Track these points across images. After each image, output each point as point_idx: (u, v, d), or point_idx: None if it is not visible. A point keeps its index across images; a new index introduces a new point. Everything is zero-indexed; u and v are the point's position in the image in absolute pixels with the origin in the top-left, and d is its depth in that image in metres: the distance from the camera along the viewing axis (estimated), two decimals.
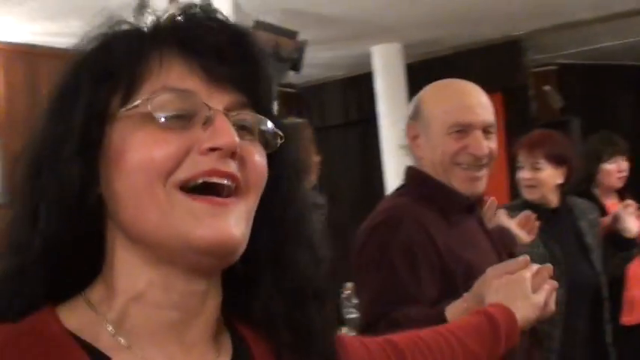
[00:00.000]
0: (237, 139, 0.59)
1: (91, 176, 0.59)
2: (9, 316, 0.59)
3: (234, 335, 0.67)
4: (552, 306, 1.07)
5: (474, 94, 1.45)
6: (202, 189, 0.58)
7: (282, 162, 0.66)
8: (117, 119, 0.60)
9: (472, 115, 1.40)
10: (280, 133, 0.64)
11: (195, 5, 0.63)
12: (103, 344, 0.59)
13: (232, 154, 0.59)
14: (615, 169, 2.82)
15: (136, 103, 0.59)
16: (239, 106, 0.62)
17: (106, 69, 0.61)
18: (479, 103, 1.43)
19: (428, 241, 1.32)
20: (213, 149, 0.58)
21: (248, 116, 0.62)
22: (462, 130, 1.40)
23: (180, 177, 0.58)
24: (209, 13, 0.63)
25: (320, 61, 5.14)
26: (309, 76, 5.47)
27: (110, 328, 0.60)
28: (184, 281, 0.60)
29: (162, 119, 0.58)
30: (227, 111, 0.61)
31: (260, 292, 0.66)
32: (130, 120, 0.59)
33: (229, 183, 0.59)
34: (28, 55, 4.34)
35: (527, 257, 1.09)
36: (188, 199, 0.58)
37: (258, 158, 0.62)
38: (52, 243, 0.59)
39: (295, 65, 4.34)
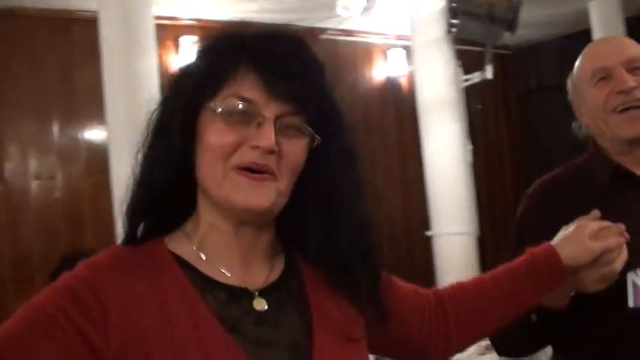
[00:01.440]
0: (272, 143, 0.83)
1: (188, 146, 0.86)
2: (132, 243, 0.88)
3: (289, 260, 0.94)
4: (615, 264, 1.09)
5: (610, 39, 1.44)
6: (245, 169, 0.84)
7: (328, 151, 0.90)
8: (204, 109, 0.86)
9: (607, 58, 1.35)
10: (316, 136, 0.88)
11: (273, 32, 0.90)
12: (190, 259, 0.88)
13: (270, 152, 0.84)
14: None
15: (214, 102, 0.85)
16: (289, 114, 0.85)
17: (205, 74, 0.86)
18: (614, 45, 1.39)
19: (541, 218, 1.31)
20: (256, 147, 0.83)
21: (295, 120, 0.86)
22: (604, 76, 1.34)
23: (234, 162, 0.84)
24: (283, 40, 0.88)
25: (535, 20, 5.13)
26: (524, 37, 5.48)
27: (194, 247, 0.89)
28: (236, 225, 0.88)
29: (227, 118, 0.84)
30: (277, 118, 0.85)
31: (311, 244, 0.92)
32: (210, 112, 0.85)
33: (264, 170, 0.84)
34: None
35: (597, 211, 1.13)
36: (236, 175, 0.84)
37: (295, 153, 0.87)
38: (160, 191, 0.87)
39: (510, 26, 4.36)
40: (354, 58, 5.53)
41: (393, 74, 5.74)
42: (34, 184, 4.09)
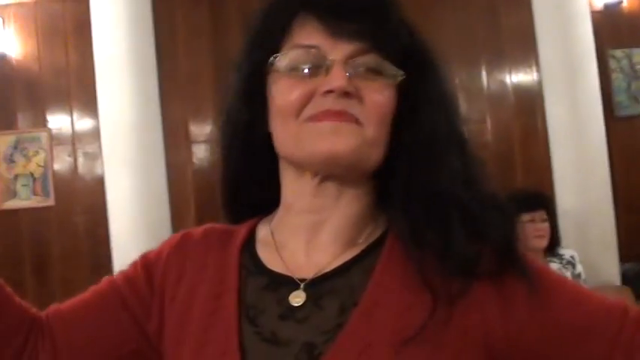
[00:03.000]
0: (345, 82, 0.75)
1: (256, 118, 0.82)
2: (233, 221, 0.90)
3: (378, 241, 0.80)
4: None
5: None
6: (324, 118, 0.76)
7: (418, 93, 0.79)
8: (270, 72, 0.81)
9: None
10: (400, 72, 0.78)
11: None
12: (261, 240, 0.86)
13: (346, 94, 0.75)
14: None
15: (275, 59, 0.79)
16: (360, 53, 0.77)
17: (263, 34, 0.82)
18: None
19: None
20: (329, 91, 0.76)
21: (369, 59, 0.77)
22: None
23: (307, 114, 0.77)
24: None
25: None
26: None
27: (270, 229, 0.86)
28: (318, 187, 0.80)
29: (291, 73, 0.78)
30: (348, 59, 0.77)
31: (401, 203, 0.78)
32: (275, 72, 0.80)
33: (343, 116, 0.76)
34: None
35: None
36: (315, 124, 0.77)
37: (378, 96, 0.77)
38: (245, 171, 0.86)
39: None
40: None
41: None
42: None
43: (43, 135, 4.18)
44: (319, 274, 0.79)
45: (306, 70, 0.78)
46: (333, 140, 0.75)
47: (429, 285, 0.73)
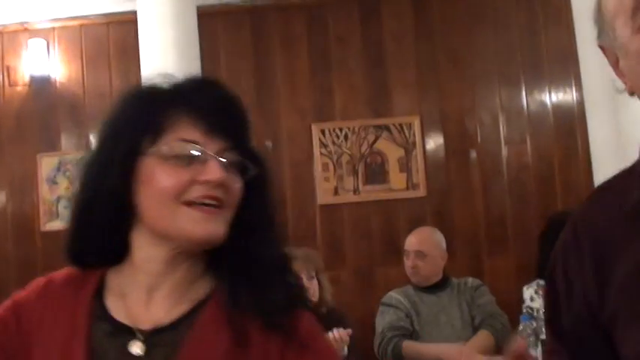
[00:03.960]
0: (223, 174, 0.93)
1: (125, 189, 0.95)
2: (80, 264, 1.00)
3: (205, 299, 0.97)
4: None
5: None
6: (200, 204, 0.93)
7: (255, 184, 0.98)
8: (146, 155, 0.95)
9: None
10: (252, 166, 0.97)
11: (201, 79, 1.01)
12: (110, 289, 0.99)
13: (220, 185, 0.93)
14: None
15: (160, 147, 0.94)
16: (227, 150, 0.96)
17: (139, 120, 0.96)
18: None
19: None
20: (207, 181, 0.93)
21: (232, 157, 0.96)
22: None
23: (187, 198, 0.93)
24: (212, 85, 0.99)
25: None
26: None
27: (118, 279, 0.99)
28: (172, 258, 0.96)
29: (176, 160, 0.94)
30: (218, 154, 0.95)
31: (230, 272, 0.97)
32: (155, 157, 0.94)
33: (216, 203, 0.94)
34: None
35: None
36: (191, 210, 0.93)
37: (236, 186, 0.96)
38: (100, 222, 0.96)
39: None
40: None
41: None
42: (505, 149, 4.39)
43: None
44: (155, 328, 0.95)
45: (186, 160, 0.95)
46: (208, 227, 0.94)
47: (232, 327, 0.93)
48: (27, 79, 4.35)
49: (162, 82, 0.99)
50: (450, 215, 4.31)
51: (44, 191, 4.30)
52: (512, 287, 3.37)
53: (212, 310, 0.96)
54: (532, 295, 3.10)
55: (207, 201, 0.93)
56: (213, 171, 0.93)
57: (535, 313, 2.70)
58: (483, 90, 4.40)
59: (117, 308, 0.97)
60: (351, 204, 4.29)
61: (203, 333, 0.94)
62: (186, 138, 0.95)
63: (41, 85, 4.34)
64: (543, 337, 2.42)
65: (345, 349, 2.51)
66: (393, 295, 3.17)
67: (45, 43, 4.34)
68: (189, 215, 0.93)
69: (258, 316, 0.93)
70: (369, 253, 4.28)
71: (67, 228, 1.00)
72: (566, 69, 4.32)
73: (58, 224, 4.26)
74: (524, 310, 3.03)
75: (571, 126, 4.34)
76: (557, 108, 4.38)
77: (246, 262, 0.97)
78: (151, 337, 0.94)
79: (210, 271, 0.99)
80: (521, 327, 2.72)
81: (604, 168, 3.98)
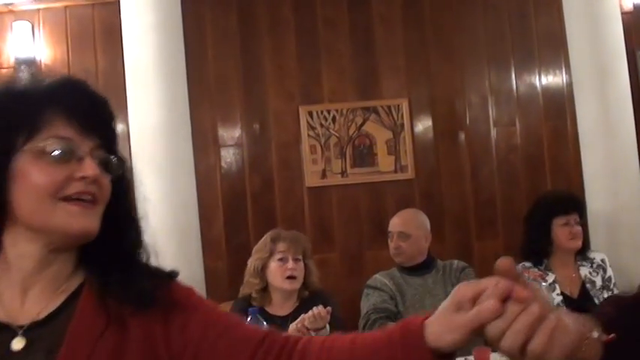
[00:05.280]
0: (98, 171, 0.99)
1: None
2: None
3: (78, 291, 1.02)
4: (503, 342, 0.78)
5: None
6: (75, 199, 0.98)
7: (119, 182, 1.05)
8: (21, 152, 0.97)
9: None
10: (119, 165, 1.04)
11: (72, 79, 1.03)
12: None
13: (95, 181, 0.99)
14: None
15: (35, 144, 0.97)
16: (98, 148, 1.02)
17: (13, 118, 0.98)
18: None
19: None
20: (83, 177, 0.98)
21: (103, 155, 1.02)
22: None
23: (64, 194, 0.97)
24: (82, 86, 1.03)
25: None
26: None
27: None
28: (47, 253, 0.99)
29: (53, 156, 0.97)
30: (92, 151, 1.00)
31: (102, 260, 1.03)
32: (30, 154, 0.97)
33: (91, 198, 0.99)
34: None
35: (507, 259, 0.82)
36: (68, 205, 0.97)
37: (107, 182, 1.02)
38: None
39: None
40: None
41: None
42: (494, 131, 4.42)
43: None
44: (33, 322, 0.98)
45: (62, 158, 0.98)
46: (85, 221, 0.99)
47: (107, 312, 0.99)
48: (12, 61, 4.34)
49: (32, 81, 1.02)
50: (438, 197, 4.34)
51: None
52: None
53: (86, 300, 1.01)
54: None
55: (83, 197, 0.99)
56: (90, 167, 0.99)
57: None
58: (472, 72, 4.41)
59: None
60: (339, 186, 4.32)
61: (82, 322, 0.99)
62: (62, 135, 0.99)
63: (26, 68, 4.34)
64: None
65: (327, 327, 2.55)
66: (378, 278, 3.21)
67: (30, 25, 4.33)
68: (66, 210, 0.97)
69: (130, 302, 1.00)
70: (357, 236, 4.32)
71: None
72: (556, 51, 4.34)
73: None
74: None
75: (560, 108, 4.37)
76: (547, 90, 4.41)
77: (112, 254, 1.03)
78: (30, 332, 0.97)
79: (80, 265, 1.05)
80: None
81: (592, 149, 4.02)
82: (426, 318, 0.87)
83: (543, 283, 3.05)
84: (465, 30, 4.43)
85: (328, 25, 4.40)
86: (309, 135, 4.32)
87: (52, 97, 1.00)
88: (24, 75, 1.04)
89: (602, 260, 3.28)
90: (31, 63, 4.32)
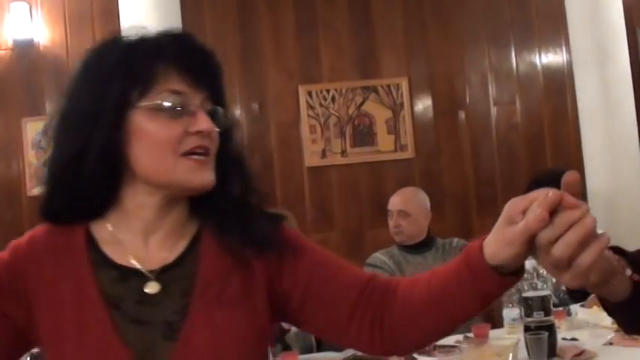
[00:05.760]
0: (212, 125, 1.00)
1: (116, 142, 0.98)
2: (56, 222, 1.03)
3: (197, 236, 1.05)
4: (555, 250, 0.77)
5: None
6: (192, 153, 0.99)
7: (227, 133, 1.05)
8: (136, 108, 0.97)
9: None
10: (229, 117, 1.05)
11: (181, 32, 1.03)
12: (102, 239, 1.02)
13: (208, 134, 0.99)
14: None
15: (151, 99, 0.97)
16: (207, 100, 1.02)
17: (130, 71, 0.97)
18: None
19: None
20: (199, 132, 0.99)
21: (212, 107, 1.03)
22: None
23: (182, 150, 0.98)
24: (191, 39, 1.03)
25: None
26: None
27: (110, 229, 1.03)
28: (165, 204, 1.02)
29: (169, 112, 0.98)
30: (202, 103, 1.01)
31: (218, 205, 1.04)
32: (146, 110, 0.98)
33: (205, 151, 1.00)
34: None
35: (553, 191, 0.79)
36: (187, 161, 0.99)
37: (216, 135, 1.02)
38: (91, 176, 0.98)
39: None
40: None
41: None
42: (494, 110, 4.42)
43: None
44: (162, 265, 1.02)
45: (176, 112, 0.99)
46: (203, 175, 1.01)
47: (230, 254, 1.03)
48: (10, 43, 4.33)
49: (141, 35, 1.01)
50: (438, 176, 4.35)
51: (30, 156, 4.32)
52: None
53: (208, 244, 1.04)
54: None
55: (198, 150, 1.00)
56: (204, 122, 0.99)
57: None
58: (472, 51, 4.40)
59: (117, 255, 1.02)
60: (339, 166, 4.33)
61: (209, 264, 1.02)
62: (176, 89, 0.99)
63: (24, 49, 4.32)
64: (525, 294, 2.48)
65: None
66: (377, 256, 3.22)
67: (27, 6, 4.31)
68: (186, 165, 0.99)
69: (252, 245, 1.03)
70: (357, 215, 4.33)
71: (46, 187, 1.01)
72: (556, 29, 4.32)
73: None
74: None
75: (560, 86, 4.36)
76: (547, 68, 4.40)
77: (225, 200, 1.05)
78: (162, 276, 1.01)
79: (193, 214, 1.07)
80: None
81: (592, 127, 4.03)
82: (481, 241, 0.90)
83: None
84: (465, 7, 4.41)
85: (327, 3, 4.38)
86: (308, 115, 4.32)
87: (164, 50, 0.99)
88: (131, 31, 1.02)
89: None
90: (29, 44, 4.30)
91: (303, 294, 1.04)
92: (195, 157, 0.99)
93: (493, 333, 2.53)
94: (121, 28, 3.21)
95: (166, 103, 0.98)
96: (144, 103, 0.97)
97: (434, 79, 4.39)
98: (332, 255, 1.10)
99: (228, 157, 1.06)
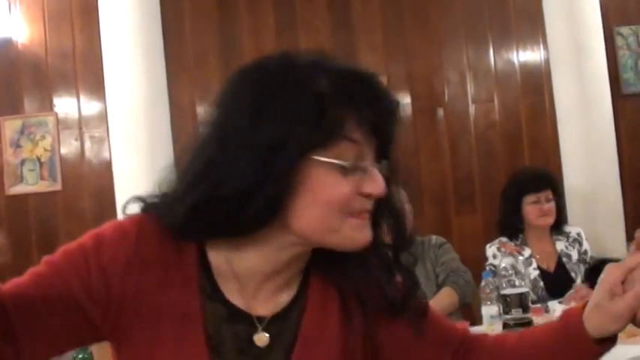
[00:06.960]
0: (385, 189, 0.89)
1: (285, 190, 0.85)
2: (179, 237, 0.90)
3: (303, 284, 0.97)
4: None
5: None
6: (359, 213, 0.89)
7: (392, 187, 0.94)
8: (311, 159, 0.85)
9: None
10: (397, 176, 0.94)
11: (366, 75, 0.89)
12: (216, 267, 0.92)
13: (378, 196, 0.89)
14: None
15: (331, 151, 0.86)
16: (379, 156, 0.91)
17: (319, 119, 0.84)
18: None
19: None
20: (371, 195, 0.88)
21: (380, 163, 0.91)
22: None
23: (349, 210, 0.88)
24: (380, 84, 0.90)
25: None
26: None
27: (226, 260, 0.92)
28: (300, 252, 0.93)
29: (346, 167, 0.86)
30: (375, 158, 0.90)
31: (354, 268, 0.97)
32: (322, 164, 0.86)
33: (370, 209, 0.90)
34: None
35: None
36: (351, 219, 0.89)
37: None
38: (251, 216, 0.85)
39: None
40: None
41: None
42: (472, 108, 4.42)
43: (50, 119, 4.25)
44: (273, 314, 0.94)
45: (350, 167, 0.87)
46: (366, 234, 0.91)
47: (335, 303, 0.97)
48: None
49: (315, 67, 0.90)
50: (417, 173, 4.35)
51: (8, 154, 4.26)
52: (480, 244, 3.42)
53: (315, 291, 0.97)
54: (494, 253, 3.17)
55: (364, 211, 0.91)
56: (378, 185, 0.89)
57: (497, 270, 2.75)
58: (450, 49, 4.39)
59: (230, 291, 0.93)
60: None
61: (311, 316, 0.95)
62: (354, 138, 0.87)
63: (3, 47, 4.26)
64: (504, 292, 2.48)
65: None
66: None
67: (6, 3, 4.24)
68: (352, 225, 0.89)
69: (378, 309, 0.98)
70: None
71: (186, 205, 0.88)
72: (533, 27, 4.33)
73: (22, 188, 4.23)
74: (487, 267, 3.10)
75: (537, 84, 4.37)
76: (524, 66, 4.40)
77: (376, 256, 0.98)
78: (270, 326, 0.94)
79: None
80: (483, 283, 2.79)
81: (569, 124, 4.04)
82: (581, 311, 0.92)
83: (520, 257, 3.07)
84: (443, 6, 4.40)
85: (306, 2, 4.36)
86: None
87: (356, 99, 0.87)
88: (301, 56, 0.92)
89: (578, 234, 3.30)
90: (7, 42, 4.24)
91: (392, 353, 1.01)
92: (361, 214, 0.90)
93: (472, 330, 2.52)
94: (100, 25, 3.15)
95: (345, 163, 0.86)
96: (323, 158, 0.86)
97: (412, 78, 4.38)
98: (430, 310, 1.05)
99: (385, 209, 0.96)
